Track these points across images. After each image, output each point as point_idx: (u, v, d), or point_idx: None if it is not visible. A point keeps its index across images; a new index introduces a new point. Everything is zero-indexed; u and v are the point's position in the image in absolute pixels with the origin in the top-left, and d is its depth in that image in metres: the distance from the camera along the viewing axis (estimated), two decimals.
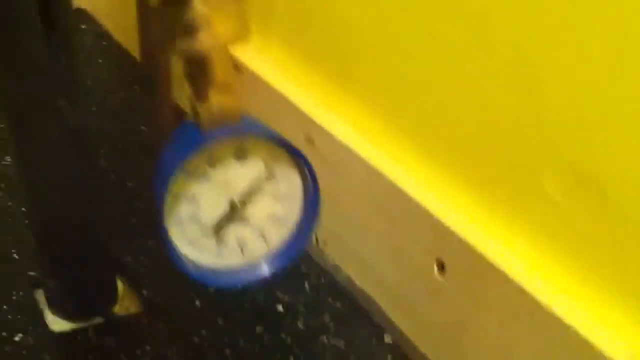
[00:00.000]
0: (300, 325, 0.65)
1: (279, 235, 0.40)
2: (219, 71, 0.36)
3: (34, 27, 0.50)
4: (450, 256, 0.58)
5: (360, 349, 0.63)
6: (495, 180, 0.55)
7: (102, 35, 1.14)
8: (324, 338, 0.64)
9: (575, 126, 0.48)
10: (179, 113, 0.90)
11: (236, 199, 0.38)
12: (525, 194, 0.53)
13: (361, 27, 0.64)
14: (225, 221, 0.38)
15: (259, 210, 0.39)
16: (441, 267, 0.59)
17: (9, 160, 0.84)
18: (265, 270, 0.39)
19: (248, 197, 0.38)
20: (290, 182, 0.39)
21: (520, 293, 0.52)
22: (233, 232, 0.39)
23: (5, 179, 0.80)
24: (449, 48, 0.55)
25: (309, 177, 0.39)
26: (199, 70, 0.36)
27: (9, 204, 0.77)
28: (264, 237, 0.39)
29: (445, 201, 0.59)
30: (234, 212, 0.38)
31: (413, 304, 0.64)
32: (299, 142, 0.69)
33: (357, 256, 0.70)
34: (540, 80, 0.49)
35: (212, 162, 0.37)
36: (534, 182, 0.52)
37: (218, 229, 0.38)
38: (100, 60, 1.07)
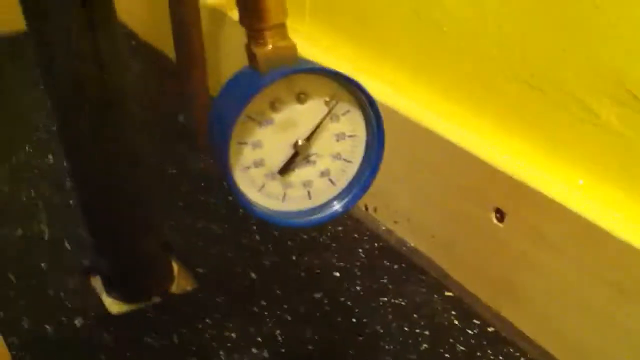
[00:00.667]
0: (358, 288, 0.65)
1: (345, 174, 0.39)
2: (273, 13, 0.36)
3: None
4: (509, 202, 0.57)
5: (422, 305, 0.63)
6: (547, 116, 0.54)
7: (130, 35, 1.16)
8: (384, 298, 0.63)
9: (625, 51, 0.47)
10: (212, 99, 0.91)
11: (300, 142, 0.37)
12: (580, 123, 0.52)
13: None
14: (291, 164, 0.38)
15: (323, 149, 0.38)
16: (499, 214, 0.58)
17: (51, 158, 0.85)
18: (336, 209, 0.39)
19: (312, 138, 0.38)
20: (352, 121, 0.38)
21: (586, 225, 0.51)
22: (299, 175, 0.38)
23: (50, 175, 0.81)
24: None
25: (370, 112, 0.38)
26: (254, 14, 0.36)
27: (58, 198, 0.77)
28: (330, 177, 0.39)
29: (496, 146, 0.59)
30: (299, 155, 0.38)
31: (471, 256, 0.63)
32: None
33: (409, 217, 0.69)
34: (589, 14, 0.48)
35: (275, 107, 0.36)
36: (588, 111, 0.51)
37: (284, 172, 0.38)
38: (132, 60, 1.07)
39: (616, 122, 0.49)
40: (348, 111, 0.38)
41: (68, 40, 0.51)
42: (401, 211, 0.70)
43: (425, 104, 0.64)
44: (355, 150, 0.39)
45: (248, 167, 0.37)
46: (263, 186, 0.38)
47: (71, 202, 0.76)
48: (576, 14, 0.49)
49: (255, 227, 0.73)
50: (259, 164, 0.37)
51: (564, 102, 0.52)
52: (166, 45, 1.02)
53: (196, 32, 0.77)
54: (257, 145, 0.37)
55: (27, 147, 0.87)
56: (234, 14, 0.84)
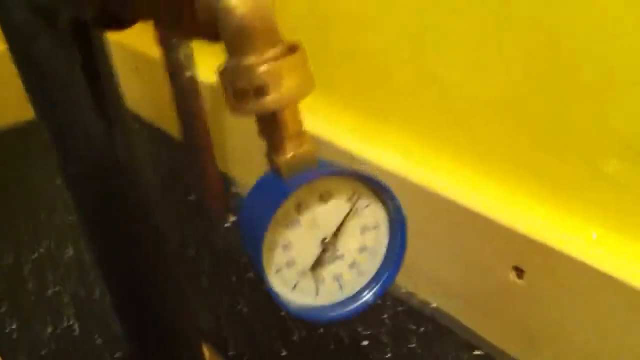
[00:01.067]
0: (388, 355, 0.66)
1: (372, 264, 0.41)
2: (291, 123, 0.38)
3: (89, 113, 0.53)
4: (527, 259, 0.59)
5: None
6: (559, 175, 0.56)
7: (133, 118, 1.19)
8: None
9: (630, 109, 0.49)
10: (222, 176, 0.93)
11: (327, 239, 0.39)
12: (590, 181, 0.54)
13: (394, 68, 0.66)
14: (320, 261, 0.39)
15: (350, 244, 0.40)
16: (519, 272, 0.60)
17: (71, 250, 0.86)
18: (368, 298, 0.41)
19: (338, 234, 0.39)
20: (373, 213, 0.40)
21: (601, 277, 0.53)
22: (330, 269, 0.40)
23: (73, 268, 0.83)
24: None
25: (390, 204, 0.40)
26: (272, 126, 0.38)
27: (83, 291, 0.79)
28: (358, 269, 0.41)
29: (511, 208, 0.61)
30: (327, 251, 0.39)
31: (495, 314, 0.64)
32: None
33: (430, 279, 0.71)
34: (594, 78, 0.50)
35: (300, 208, 0.38)
36: (597, 169, 0.53)
37: (315, 269, 0.39)
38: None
39: (623, 178, 0.51)
40: (369, 205, 0.40)
41: (85, 133, 0.54)
42: (421, 273, 0.71)
43: (436, 169, 0.66)
44: (379, 240, 0.41)
45: (280, 269, 0.39)
46: (296, 284, 0.40)
47: (97, 294, 0.78)
48: (582, 80, 0.52)
49: None
50: (290, 264, 0.39)
51: (574, 162, 0.54)
52: (168, 124, 1.05)
53: (202, 121, 0.79)
54: (287, 247, 0.39)
55: (47, 241, 0.89)
56: None
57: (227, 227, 0.88)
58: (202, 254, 0.84)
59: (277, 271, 0.39)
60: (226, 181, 0.95)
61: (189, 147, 0.84)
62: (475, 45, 0.58)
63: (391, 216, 0.41)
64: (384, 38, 0.66)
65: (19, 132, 1.14)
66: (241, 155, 0.94)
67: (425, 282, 0.71)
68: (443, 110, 0.64)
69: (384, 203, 0.41)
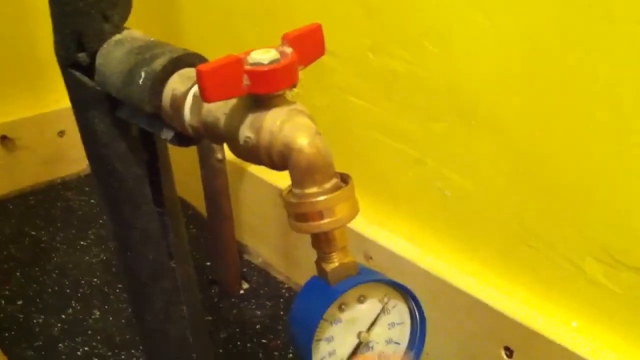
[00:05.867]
0: None
1: (397, 354, 0.50)
2: (339, 240, 0.47)
3: (150, 209, 0.62)
4: (516, 341, 0.68)
5: None
6: (544, 270, 0.66)
7: None
8: None
9: (607, 218, 0.59)
10: (239, 249, 1.02)
11: (363, 333, 0.48)
12: (570, 276, 0.64)
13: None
14: (356, 350, 0.48)
15: (379, 337, 0.49)
16: (509, 352, 0.69)
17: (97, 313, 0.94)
18: None
19: (371, 330, 0.48)
20: (400, 312, 0.49)
21: (573, 356, 0.62)
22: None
23: (100, 330, 0.90)
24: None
25: (413, 305, 0.49)
26: (324, 242, 0.47)
27: (111, 354, 0.86)
28: (385, 358, 0.50)
29: (504, 295, 0.70)
30: (362, 343, 0.48)
31: None
32: (359, 260, 0.80)
33: (429, 354, 0.79)
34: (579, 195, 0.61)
35: (342, 308, 0.47)
36: (577, 268, 0.63)
37: (350, 358, 0.48)
38: None
39: (600, 277, 0.61)
40: (396, 305, 0.49)
41: (145, 237, 0.63)
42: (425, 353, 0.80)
43: (439, 256, 0.76)
44: (403, 333, 0.50)
45: (323, 357, 0.48)
46: None
47: (123, 357, 0.85)
48: (566, 194, 0.62)
49: None
50: (332, 354, 0.48)
51: (557, 260, 0.64)
52: (194, 198, 1.14)
53: (226, 199, 0.88)
54: (329, 340, 0.48)
55: (73, 303, 0.96)
56: (253, 169, 0.97)
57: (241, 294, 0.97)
58: (216, 321, 0.92)
59: (321, 359, 0.48)
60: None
61: (212, 220, 0.92)
62: (474, 156, 0.68)
63: (413, 315, 0.50)
64: (388, 144, 0.76)
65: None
66: (254, 226, 1.03)
67: (425, 357, 0.79)
68: (444, 207, 0.73)
69: (408, 304, 0.50)
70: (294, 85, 0.44)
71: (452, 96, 0.68)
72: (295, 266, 0.97)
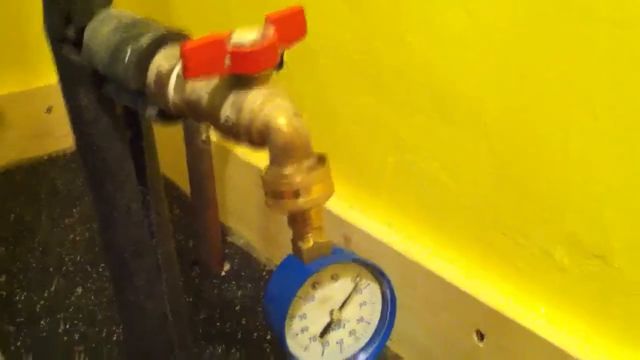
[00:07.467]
0: None
1: (367, 332, 0.51)
2: (315, 219, 0.48)
3: (133, 187, 0.63)
4: (487, 325, 0.70)
5: None
6: (516, 257, 0.68)
7: None
8: None
9: (577, 208, 0.61)
10: (223, 230, 1.03)
11: (335, 311, 0.50)
12: (541, 264, 0.66)
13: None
14: (328, 328, 0.50)
15: (351, 315, 0.50)
16: (480, 335, 0.71)
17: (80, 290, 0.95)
18: (362, 358, 0.51)
19: (343, 308, 0.50)
20: (371, 291, 0.51)
21: (547, 345, 0.64)
22: (333, 335, 0.50)
23: (81, 308, 0.91)
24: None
25: (385, 285, 0.51)
26: (300, 221, 0.48)
27: (91, 331, 0.87)
28: (355, 335, 0.51)
29: (477, 280, 0.72)
30: (333, 320, 0.50)
31: None
32: (338, 241, 0.81)
33: (403, 335, 0.81)
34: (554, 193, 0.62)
35: (315, 286, 0.49)
36: (547, 254, 0.65)
37: (323, 335, 0.50)
38: None
39: (568, 264, 0.63)
40: (368, 285, 0.51)
41: (127, 215, 0.64)
42: (395, 329, 0.82)
43: (416, 242, 0.77)
44: (374, 313, 0.51)
45: (297, 334, 0.49)
46: (307, 347, 0.50)
47: (104, 334, 0.86)
48: (541, 187, 0.64)
49: (269, 349, 0.84)
50: (304, 330, 0.49)
51: (528, 248, 0.66)
52: (178, 177, 1.15)
53: (210, 180, 0.90)
54: (303, 317, 0.49)
55: (56, 280, 0.97)
56: (238, 151, 0.98)
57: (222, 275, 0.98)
58: (197, 302, 0.93)
59: (294, 336, 0.49)
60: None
61: (197, 205, 0.93)
62: (452, 148, 0.70)
63: (385, 295, 0.52)
64: (370, 134, 0.78)
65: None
66: (238, 208, 1.04)
67: (397, 337, 0.81)
68: (422, 195, 0.75)
69: (380, 284, 0.51)
70: (280, 66, 0.45)
71: (432, 90, 0.69)
72: (277, 249, 0.99)
